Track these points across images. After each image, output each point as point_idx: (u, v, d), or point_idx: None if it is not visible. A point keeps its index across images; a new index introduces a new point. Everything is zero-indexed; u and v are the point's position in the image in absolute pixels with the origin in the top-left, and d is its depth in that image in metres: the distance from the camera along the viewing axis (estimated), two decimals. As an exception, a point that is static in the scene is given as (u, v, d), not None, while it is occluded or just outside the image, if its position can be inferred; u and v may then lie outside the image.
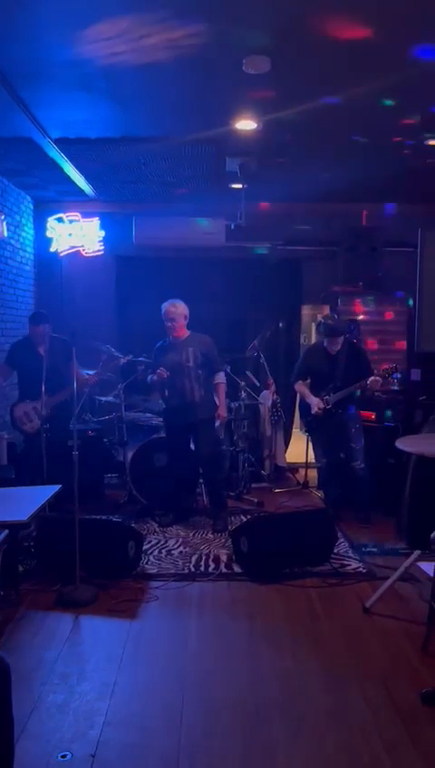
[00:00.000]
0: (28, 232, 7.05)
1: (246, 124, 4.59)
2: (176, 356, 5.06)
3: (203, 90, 4.03)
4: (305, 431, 6.01)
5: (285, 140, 4.97)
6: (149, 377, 5.25)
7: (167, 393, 5.18)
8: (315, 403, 5.26)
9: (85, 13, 3.09)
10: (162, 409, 5.45)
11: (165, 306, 5.10)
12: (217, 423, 5.26)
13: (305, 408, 5.48)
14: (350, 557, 4.50)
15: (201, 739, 2.55)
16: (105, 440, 6.29)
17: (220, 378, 5.28)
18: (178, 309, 5.08)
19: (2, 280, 6.17)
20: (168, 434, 5.42)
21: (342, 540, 4.77)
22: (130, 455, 5.71)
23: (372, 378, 5.04)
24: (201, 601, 3.83)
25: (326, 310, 7.53)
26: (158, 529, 5.12)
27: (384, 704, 2.77)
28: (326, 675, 3.02)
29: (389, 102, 4.14)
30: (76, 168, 5.74)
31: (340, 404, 5.21)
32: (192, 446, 5.29)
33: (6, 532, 3.48)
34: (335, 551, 4.49)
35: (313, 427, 5.56)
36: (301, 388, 5.50)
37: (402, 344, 7.13)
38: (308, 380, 5.50)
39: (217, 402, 5.24)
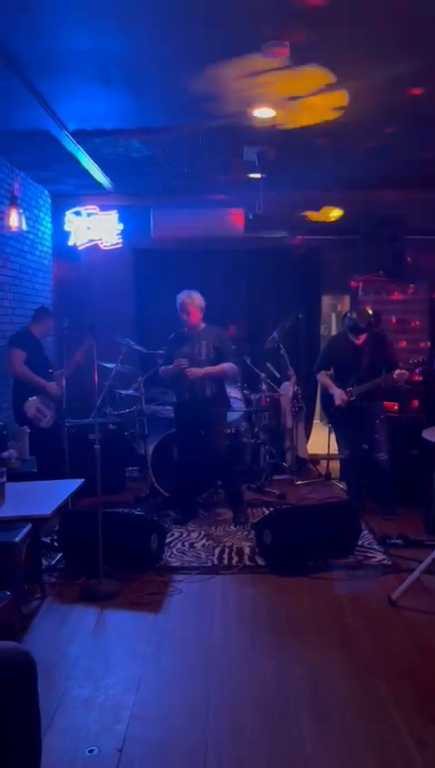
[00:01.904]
0: (46, 226, 7.04)
1: (263, 112, 4.52)
2: (189, 348, 4.99)
3: (221, 78, 3.96)
4: (328, 423, 5.94)
5: (303, 128, 4.88)
6: (161, 369, 5.15)
7: (178, 387, 5.08)
8: (338, 395, 5.19)
9: (100, 2, 3.05)
10: (173, 403, 5.33)
11: (180, 297, 5.04)
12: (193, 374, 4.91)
13: (328, 398, 5.41)
14: (374, 549, 4.45)
15: (228, 734, 2.52)
16: (126, 433, 6.29)
17: (230, 365, 4.99)
18: (193, 300, 5.00)
19: (21, 274, 6.17)
20: (177, 428, 5.34)
21: (366, 532, 4.70)
22: (150, 448, 5.70)
23: (398, 371, 4.95)
24: (225, 595, 3.81)
25: (346, 300, 7.45)
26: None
27: (413, 699, 2.73)
28: (353, 669, 2.99)
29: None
30: (93, 160, 5.70)
31: (364, 395, 5.14)
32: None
33: (29, 526, 3.50)
34: (359, 543, 4.44)
35: (335, 419, 5.49)
36: (323, 378, 5.42)
37: (425, 334, 7.03)
38: (331, 371, 5.43)
39: (215, 370, 4.92)
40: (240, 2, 3.05)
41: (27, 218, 6.34)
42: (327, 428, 6.82)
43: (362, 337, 5.17)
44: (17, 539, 3.35)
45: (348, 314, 5.32)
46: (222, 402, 5.15)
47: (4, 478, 3.24)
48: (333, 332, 8.76)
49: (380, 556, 4.34)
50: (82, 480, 3.57)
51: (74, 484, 3.45)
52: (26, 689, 1.88)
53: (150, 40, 3.49)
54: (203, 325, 5.11)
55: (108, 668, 3.01)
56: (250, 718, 2.61)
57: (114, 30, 3.37)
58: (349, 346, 5.23)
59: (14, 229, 3.93)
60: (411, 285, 6.94)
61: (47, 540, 4.36)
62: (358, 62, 3.74)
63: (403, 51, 3.59)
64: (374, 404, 5.24)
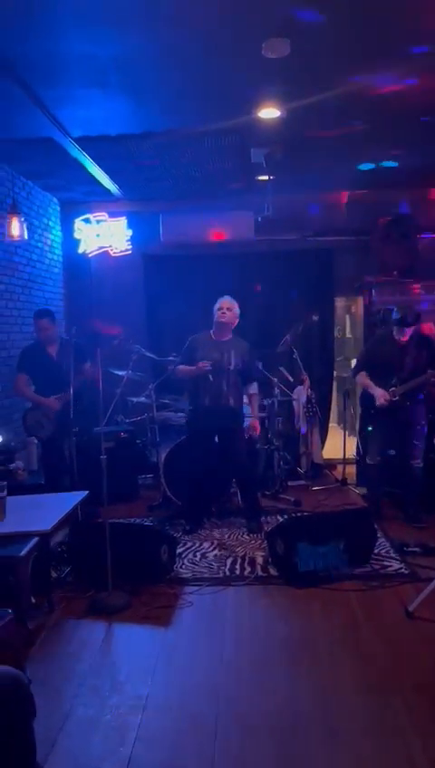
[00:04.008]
0: (56, 234, 7.02)
1: (269, 112, 4.44)
2: (217, 355, 4.86)
3: (222, 78, 3.89)
4: (364, 426, 5.68)
5: (310, 128, 4.80)
6: (179, 367, 5.03)
7: (198, 392, 4.94)
8: (381, 394, 4.96)
9: (99, 4, 2.99)
10: (188, 409, 5.21)
11: (224, 300, 4.95)
12: (255, 435, 5.18)
13: (368, 400, 5.19)
14: (391, 557, 4.33)
15: (235, 756, 2.43)
16: (138, 441, 6.22)
17: (254, 389, 5.15)
18: (234, 308, 4.96)
19: (30, 283, 6.15)
20: (191, 435, 5.21)
21: (382, 539, 4.59)
22: (162, 455, 5.62)
23: None
24: (236, 607, 3.71)
25: (360, 301, 7.34)
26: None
27: (429, 717, 2.61)
28: (367, 685, 2.87)
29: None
30: (99, 166, 5.66)
31: (407, 396, 4.95)
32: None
33: (36, 539, 3.44)
34: (376, 551, 4.33)
35: (375, 421, 5.24)
36: (364, 379, 5.17)
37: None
38: (368, 373, 5.20)
39: (251, 413, 5.13)
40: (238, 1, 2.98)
41: (36, 227, 6.33)
42: (342, 432, 6.72)
43: (408, 333, 4.97)
44: (23, 553, 3.29)
45: (394, 310, 5.08)
46: (241, 411, 5.08)
47: (5, 493, 3.18)
48: (348, 335, 8.65)
49: (397, 565, 4.21)
50: (87, 492, 3.50)
51: (79, 496, 3.38)
52: (16, 716, 1.80)
53: (150, 43, 3.43)
54: (231, 335, 5.02)
55: (115, 686, 2.93)
56: (259, 739, 2.52)
57: (113, 35, 3.32)
58: (393, 345, 5.02)
59: (15, 238, 3.87)
60: (427, 284, 6.80)
61: (59, 549, 4.30)
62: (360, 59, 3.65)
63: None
64: (418, 407, 5.04)
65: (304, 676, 2.97)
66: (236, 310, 4.97)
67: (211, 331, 5.02)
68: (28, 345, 5.40)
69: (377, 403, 5.00)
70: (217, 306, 4.95)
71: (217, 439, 5.08)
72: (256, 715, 2.68)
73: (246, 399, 5.27)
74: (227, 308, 4.92)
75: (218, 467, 5.15)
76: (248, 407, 5.29)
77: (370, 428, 5.41)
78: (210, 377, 4.81)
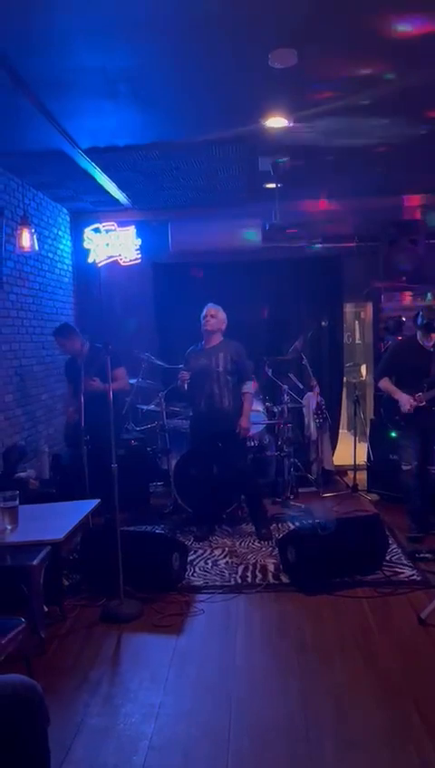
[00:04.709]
0: (66, 244, 7.07)
1: (276, 121, 4.46)
2: (205, 360, 5.00)
3: (229, 89, 3.93)
4: (394, 433, 5.60)
5: (317, 136, 4.82)
6: (178, 381, 5.16)
7: (194, 398, 5.08)
8: (406, 400, 4.85)
9: (108, 16, 3.03)
10: (189, 416, 5.33)
11: (208, 308, 5.08)
12: (244, 433, 5.06)
13: (392, 406, 5.04)
14: (403, 564, 4.32)
15: (248, 763, 2.43)
16: (148, 449, 6.24)
17: (248, 387, 5.11)
18: (219, 314, 5.08)
19: (41, 293, 6.19)
20: (193, 441, 5.32)
21: (394, 546, 4.58)
22: (173, 463, 5.64)
23: None
24: (248, 615, 3.71)
25: (369, 307, 7.34)
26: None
27: (444, 725, 2.61)
28: (380, 692, 2.87)
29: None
30: (108, 177, 5.72)
31: (434, 402, 4.85)
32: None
33: (48, 548, 3.45)
34: (387, 558, 4.32)
35: (401, 427, 5.07)
36: (387, 385, 5.03)
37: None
38: (392, 378, 5.08)
39: (242, 411, 5.00)
40: (244, 12, 3.01)
41: (46, 237, 6.38)
42: (354, 438, 6.71)
43: (433, 339, 4.87)
44: (35, 561, 3.31)
45: (419, 315, 4.97)
46: (238, 413, 5.05)
47: (17, 501, 3.21)
48: (357, 341, 8.64)
49: (408, 571, 4.20)
50: (99, 501, 3.52)
51: (90, 504, 3.40)
52: (31, 724, 1.82)
53: (158, 55, 3.46)
54: (221, 339, 5.11)
55: (127, 695, 2.94)
56: (272, 746, 2.52)
57: (121, 46, 3.34)
58: (418, 350, 4.92)
59: (26, 249, 3.90)
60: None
61: (71, 556, 4.32)
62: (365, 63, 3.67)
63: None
64: None
65: (317, 685, 2.96)
66: (221, 315, 5.08)
67: (203, 341, 5.14)
68: (69, 357, 5.53)
69: (403, 409, 4.87)
70: (202, 315, 5.08)
71: (220, 444, 5.09)
72: (268, 721, 2.69)
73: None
74: (211, 315, 5.05)
75: (224, 474, 5.16)
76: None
77: (393, 434, 5.33)
78: (185, 386, 5.02)
